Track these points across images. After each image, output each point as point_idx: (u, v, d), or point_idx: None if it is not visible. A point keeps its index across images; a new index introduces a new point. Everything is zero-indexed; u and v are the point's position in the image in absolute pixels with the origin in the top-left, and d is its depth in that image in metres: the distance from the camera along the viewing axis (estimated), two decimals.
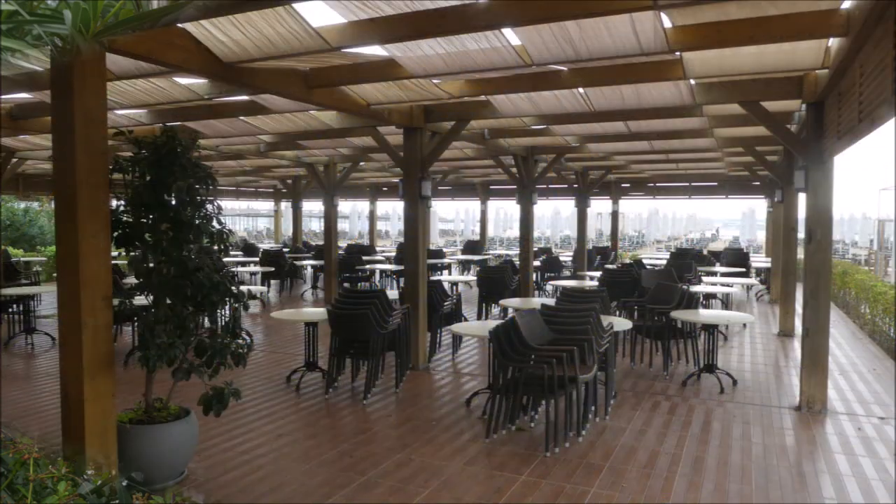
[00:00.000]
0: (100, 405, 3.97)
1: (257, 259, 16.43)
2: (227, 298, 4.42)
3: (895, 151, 5.97)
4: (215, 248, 4.63)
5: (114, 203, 4.30)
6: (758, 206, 25.35)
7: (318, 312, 7.20)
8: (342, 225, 34.50)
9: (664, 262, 14.37)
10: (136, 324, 7.72)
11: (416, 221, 7.85)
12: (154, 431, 4.25)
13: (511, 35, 4.85)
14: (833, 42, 5.12)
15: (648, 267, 12.22)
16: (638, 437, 5.38)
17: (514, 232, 40.35)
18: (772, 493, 4.33)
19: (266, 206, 41.38)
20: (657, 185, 19.91)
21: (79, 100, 3.84)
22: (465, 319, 9.38)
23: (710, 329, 7.21)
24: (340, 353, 6.71)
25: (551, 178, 16.48)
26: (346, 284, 14.16)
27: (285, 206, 24.78)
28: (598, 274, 11.83)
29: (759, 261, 16.76)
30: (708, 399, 6.51)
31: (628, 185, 19.90)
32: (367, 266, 15.17)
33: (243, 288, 4.77)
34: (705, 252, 17.64)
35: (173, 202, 4.38)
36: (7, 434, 3.22)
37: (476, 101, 7.42)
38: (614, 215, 20.11)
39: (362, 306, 6.54)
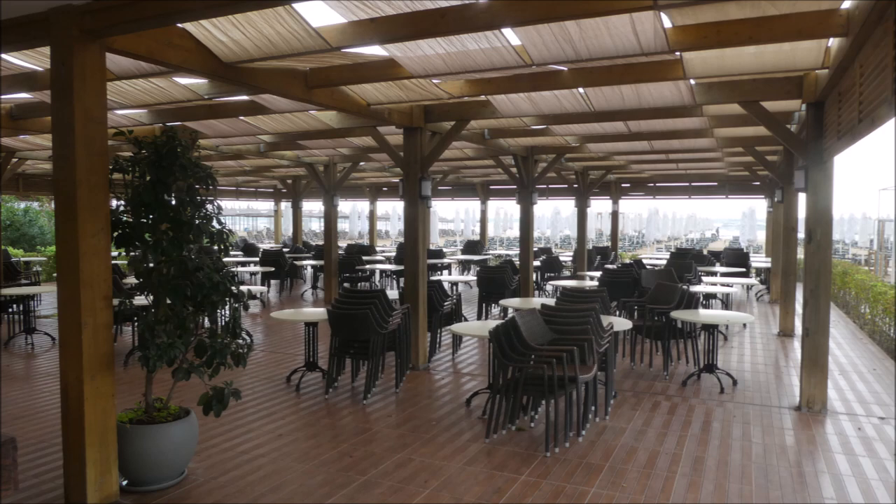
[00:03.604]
0: (100, 405, 3.97)
1: (257, 259, 16.43)
2: (227, 298, 4.42)
3: (895, 151, 5.97)
4: (215, 248, 4.64)
5: (114, 203, 4.30)
6: (758, 206, 25.33)
7: (318, 312, 7.20)
8: (342, 225, 34.50)
9: (664, 262, 14.37)
10: (136, 324, 7.74)
11: (416, 221, 7.85)
12: (154, 431, 4.25)
13: (511, 35, 4.85)
14: (833, 42, 5.12)
15: (648, 267, 12.22)
16: (638, 437, 5.38)
17: (514, 232, 40.38)
18: (772, 493, 4.34)
19: (266, 206, 41.46)
20: (657, 185, 19.92)
21: (79, 100, 3.84)
22: (465, 319, 9.38)
23: (710, 329, 7.21)
24: (340, 353, 6.71)
25: (551, 178, 16.49)
26: (346, 284, 14.17)
27: (285, 206, 24.79)
28: (598, 274, 11.84)
29: (759, 261, 16.76)
30: (708, 399, 6.51)
31: (628, 185, 19.91)
32: (367, 266, 15.17)
33: (243, 288, 4.77)
34: (705, 252, 17.62)
35: (173, 202, 4.39)
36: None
37: (476, 101, 7.42)
38: (614, 215, 20.11)
39: (362, 306, 6.54)
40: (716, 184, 19.08)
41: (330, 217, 13.63)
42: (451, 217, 41.23)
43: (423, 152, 7.88)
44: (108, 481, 4.04)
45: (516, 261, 13.46)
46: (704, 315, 7.31)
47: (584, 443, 5.23)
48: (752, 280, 13.79)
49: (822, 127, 6.13)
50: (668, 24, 4.66)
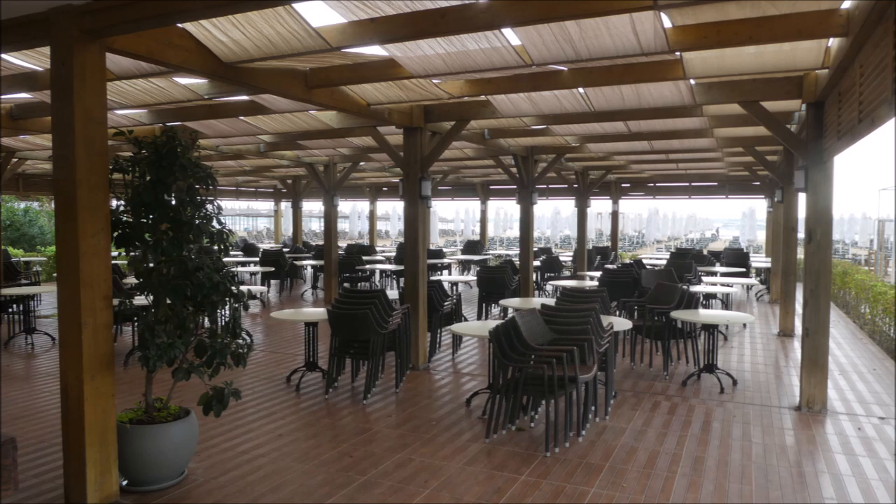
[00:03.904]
0: (100, 405, 3.97)
1: (257, 259, 16.43)
2: (227, 298, 4.42)
3: (895, 151, 5.97)
4: (215, 248, 4.63)
5: (114, 203, 4.30)
6: (758, 206, 25.34)
7: (318, 312, 7.20)
8: (342, 225, 34.50)
9: (664, 262, 14.37)
10: (136, 324, 7.74)
11: (416, 221, 7.85)
12: (154, 431, 4.25)
13: (511, 35, 4.85)
14: (833, 42, 5.12)
15: (648, 267, 12.22)
16: (638, 437, 5.38)
17: (514, 232, 40.38)
18: (772, 493, 4.34)
19: (266, 206, 41.47)
20: (657, 185, 19.92)
21: (79, 100, 3.84)
22: (465, 319, 9.38)
23: (710, 329, 7.21)
24: (340, 353, 6.71)
25: (551, 178, 16.49)
26: (346, 284, 14.17)
27: (285, 206, 24.79)
28: (598, 274, 11.84)
29: (759, 261, 16.76)
30: (708, 399, 6.51)
31: (628, 185, 19.91)
32: (367, 266, 15.17)
33: (243, 288, 4.77)
34: (705, 252, 17.62)
35: (173, 202, 4.39)
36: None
37: (476, 101, 7.42)
38: (614, 215, 20.11)
39: (362, 306, 6.54)
40: (716, 184, 19.08)
41: (330, 217, 13.63)
42: (451, 217, 41.26)
43: (423, 152, 7.88)
44: (108, 481, 4.04)
45: (516, 261, 13.46)
46: (704, 315, 7.31)
47: (584, 443, 5.23)
48: (752, 280, 13.79)
49: (822, 127, 6.12)
50: (668, 24, 4.65)
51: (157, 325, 4.23)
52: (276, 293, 15.51)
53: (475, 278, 12.10)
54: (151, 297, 4.43)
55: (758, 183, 17.01)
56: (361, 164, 13.86)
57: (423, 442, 5.26)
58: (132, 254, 4.45)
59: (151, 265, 4.39)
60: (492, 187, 21.91)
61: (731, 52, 5.37)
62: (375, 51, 5.44)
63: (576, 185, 15.53)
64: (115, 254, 4.48)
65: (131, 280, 9.69)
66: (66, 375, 3.95)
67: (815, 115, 6.15)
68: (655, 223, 31.68)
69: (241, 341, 4.48)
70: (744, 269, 14.56)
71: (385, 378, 7.23)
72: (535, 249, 14.44)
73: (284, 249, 18.49)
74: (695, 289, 8.87)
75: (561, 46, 4.92)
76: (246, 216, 50.41)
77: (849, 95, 4.89)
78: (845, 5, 4.36)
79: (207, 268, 4.32)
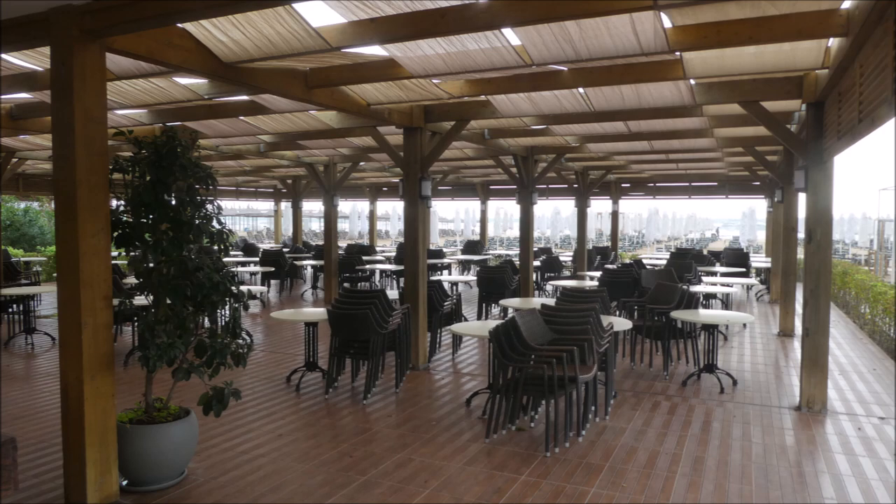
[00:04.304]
0: (100, 405, 3.97)
1: (257, 259, 16.43)
2: (227, 298, 4.42)
3: (895, 151, 5.97)
4: (215, 248, 4.64)
5: (114, 203, 4.30)
6: (758, 206, 25.34)
7: (318, 312, 7.20)
8: (342, 225, 34.49)
9: (664, 262, 14.37)
10: (136, 324, 7.74)
11: (416, 221, 7.85)
12: (154, 431, 4.25)
13: (511, 35, 4.85)
14: (833, 42, 5.12)
15: (648, 267, 12.22)
16: (638, 437, 5.38)
17: (514, 232, 40.38)
18: (772, 493, 4.34)
19: (266, 206, 41.48)
20: (657, 185, 19.92)
21: (79, 100, 3.84)
22: (465, 319, 9.38)
23: (710, 329, 7.21)
24: (340, 353, 6.71)
25: (551, 178, 16.49)
26: (346, 284, 14.17)
27: (285, 206, 24.80)
28: (598, 274, 11.84)
29: (759, 261, 16.75)
30: (708, 399, 6.51)
31: (628, 185, 19.91)
32: (367, 266, 15.18)
33: (243, 288, 4.77)
34: (705, 252, 17.62)
35: (173, 202, 4.39)
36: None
37: (476, 101, 7.42)
38: (614, 215, 20.11)
39: (362, 306, 6.54)
40: (716, 184, 19.08)
41: (330, 217, 13.63)
42: (451, 217, 41.25)
43: (423, 152, 7.88)
44: (108, 481, 4.04)
45: (516, 261, 13.46)
46: (704, 315, 7.31)
47: (584, 443, 5.23)
48: (752, 280, 13.79)
49: (822, 127, 6.13)
50: (668, 24, 4.66)
51: (157, 325, 4.23)
52: (276, 293, 15.51)
53: (475, 278, 12.10)
54: (151, 297, 4.43)
55: (758, 183, 17.01)
56: (361, 164, 13.86)
57: (423, 442, 5.26)
58: (132, 254, 4.46)
59: (151, 265, 4.39)
60: (492, 187, 21.91)
61: (731, 52, 5.37)
62: (375, 51, 5.44)
63: (576, 185, 15.53)
64: (115, 254, 4.48)
65: (131, 280, 9.69)
66: (66, 375, 3.95)
67: (815, 115, 6.15)
68: (655, 223, 31.67)
69: (241, 341, 4.48)
70: (744, 269, 14.56)
71: (385, 378, 7.23)
72: (535, 249, 14.44)
73: (284, 249, 18.50)
74: (695, 289, 8.86)
75: (561, 46, 4.92)
76: (246, 216, 50.42)
77: (849, 95, 4.89)
78: (845, 5, 4.36)
79: (207, 268, 4.32)
